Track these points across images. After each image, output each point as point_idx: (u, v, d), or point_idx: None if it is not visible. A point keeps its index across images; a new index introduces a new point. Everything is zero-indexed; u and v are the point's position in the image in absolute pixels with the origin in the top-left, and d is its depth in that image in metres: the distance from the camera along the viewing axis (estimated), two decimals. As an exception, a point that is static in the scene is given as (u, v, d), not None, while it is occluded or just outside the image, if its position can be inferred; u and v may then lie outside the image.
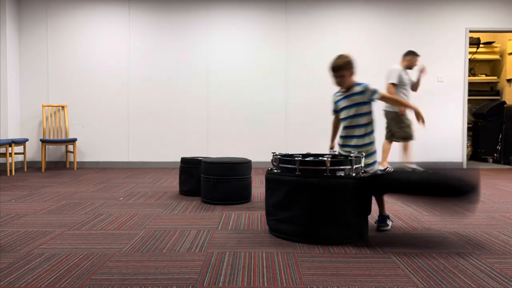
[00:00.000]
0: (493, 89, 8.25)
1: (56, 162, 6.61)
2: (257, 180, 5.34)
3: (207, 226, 3.09)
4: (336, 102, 3.06)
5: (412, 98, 6.72)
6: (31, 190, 4.55)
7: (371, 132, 2.94)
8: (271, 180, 2.83)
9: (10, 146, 5.68)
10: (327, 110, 6.55)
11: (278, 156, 2.85)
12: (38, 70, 6.55)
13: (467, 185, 2.54)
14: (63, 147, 6.56)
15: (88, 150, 6.60)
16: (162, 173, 5.92)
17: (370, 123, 2.93)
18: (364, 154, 2.86)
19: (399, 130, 5.33)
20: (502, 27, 6.58)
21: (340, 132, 3.07)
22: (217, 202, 3.86)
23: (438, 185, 2.54)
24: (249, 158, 6.26)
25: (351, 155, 2.79)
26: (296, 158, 2.74)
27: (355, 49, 6.60)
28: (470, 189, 2.54)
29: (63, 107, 6.51)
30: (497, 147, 7.24)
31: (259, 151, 6.55)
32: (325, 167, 2.66)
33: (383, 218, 3.01)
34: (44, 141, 6.11)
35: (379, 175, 2.72)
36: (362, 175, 2.74)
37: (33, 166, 6.53)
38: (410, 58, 5.49)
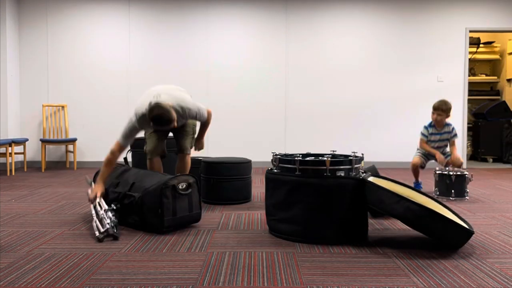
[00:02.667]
0: (493, 89, 8.25)
1: (56, 162, 6.61)
2: (257, 180, 5.34)
3: (207, 226, 3.09)
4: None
5: (410, 98, 6.74)
6: (31, 190, 4.55)
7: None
8: (271, 180, 2.83)
9: (10, 146, 5.67)
10: (327, 109, 6.59)
11: (278, 156, 2.85)
12: (38, 70, 6.55)
13: (457, 236, 2.48)
14: (63, 147, 6.56)
15: (88, 150, 6.60)
16: (162, 173, 5.91)
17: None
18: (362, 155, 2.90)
19: None
20: (502, 27, 6.58)
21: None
22: (217, 202, 3.86)
23: (422, 226, 2.48)
24: (249, 158, 6.27)
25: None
26: (296, 158, 2.74)
27: (355, 49, 6.60)
28: (459, 240, 2.50)
29: (63, 107, 6.51)
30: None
31: (259, 151, 6.55)
32: (325, 167, 2.66)
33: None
34: (44, 141, 6.11)
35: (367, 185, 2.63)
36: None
37: (33, 166, 6.53)
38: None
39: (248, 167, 3.98)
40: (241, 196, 3.91)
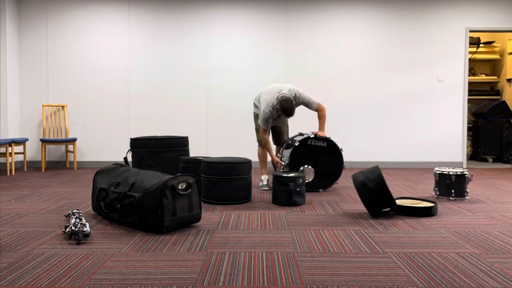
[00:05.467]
0: (493, 89, 8.25)
1: (56, 162, 6.61)
2: (257, 180, 5.34)
3: (207, 226, 3.09)
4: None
5: (410, 98, 6.74)
6: (31, 190, 4.55)
7: None
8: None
9: (10, 146, 5.67)
10: (327, 109, 6.58)
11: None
12: (38, 70, 6.55)
13: None
14: (63, 147, 6.56)
15: (88, 150, 6.60)
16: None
17: None
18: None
19: None
20: (502, 27, 6.58)
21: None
22: (217, 202, 3.86)
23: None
24: (249, 158, 6.28)
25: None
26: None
27: (355, 49, 6.60)
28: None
29: (63, 107, 6.51)
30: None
31: (259, 151, 6.54)
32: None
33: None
34: (44, 141, 6.11)
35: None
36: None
37: (33, 166, 6.53)
38: None
39: (248, 167, 3.98)
40: (241, 196, 3.91)
